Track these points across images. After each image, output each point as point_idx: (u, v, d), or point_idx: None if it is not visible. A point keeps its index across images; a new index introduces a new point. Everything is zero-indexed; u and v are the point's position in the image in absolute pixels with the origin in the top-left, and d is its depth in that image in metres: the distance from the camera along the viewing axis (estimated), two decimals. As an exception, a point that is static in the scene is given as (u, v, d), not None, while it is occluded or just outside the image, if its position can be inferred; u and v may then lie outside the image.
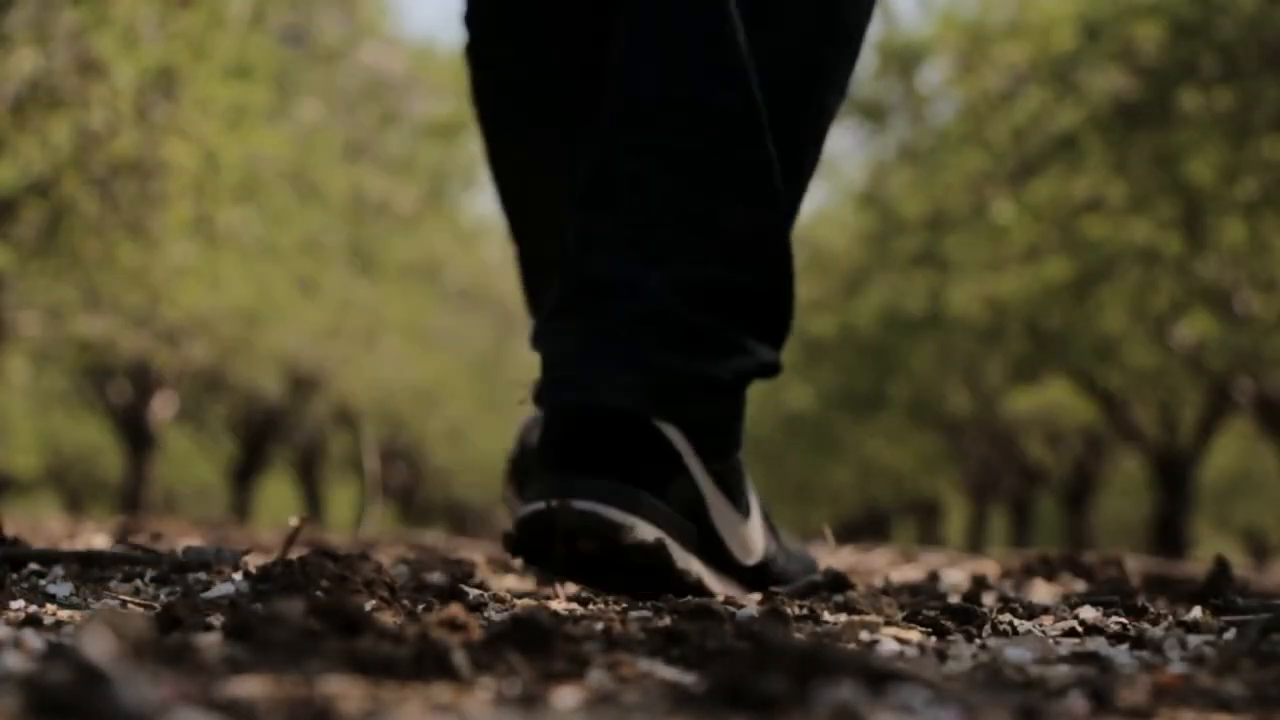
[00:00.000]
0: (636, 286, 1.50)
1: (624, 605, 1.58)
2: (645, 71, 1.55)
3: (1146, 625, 1.50)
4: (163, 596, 1.54)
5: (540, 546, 1.49)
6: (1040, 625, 1.50)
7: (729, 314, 1.52)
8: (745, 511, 1.63)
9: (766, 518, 1.71)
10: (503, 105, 2.00)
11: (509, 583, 2.11)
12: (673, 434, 1.49)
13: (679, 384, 1.50)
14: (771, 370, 1.57)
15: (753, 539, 1.66)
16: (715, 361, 1.52)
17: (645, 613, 1.46)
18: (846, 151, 20.03)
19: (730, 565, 1.63)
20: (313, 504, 16.73)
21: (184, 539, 2.74)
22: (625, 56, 1.56)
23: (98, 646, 0.84)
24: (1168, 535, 11.45)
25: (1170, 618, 1.56)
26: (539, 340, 1.60)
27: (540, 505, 1.46)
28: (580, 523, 1.45)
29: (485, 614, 1.45)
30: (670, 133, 1.52)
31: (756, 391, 1.67)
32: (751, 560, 1.65)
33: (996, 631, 1.44)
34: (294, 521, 1.71)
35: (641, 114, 1.54)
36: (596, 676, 1.01)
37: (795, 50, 1.59)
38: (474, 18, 1.98)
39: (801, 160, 1.60)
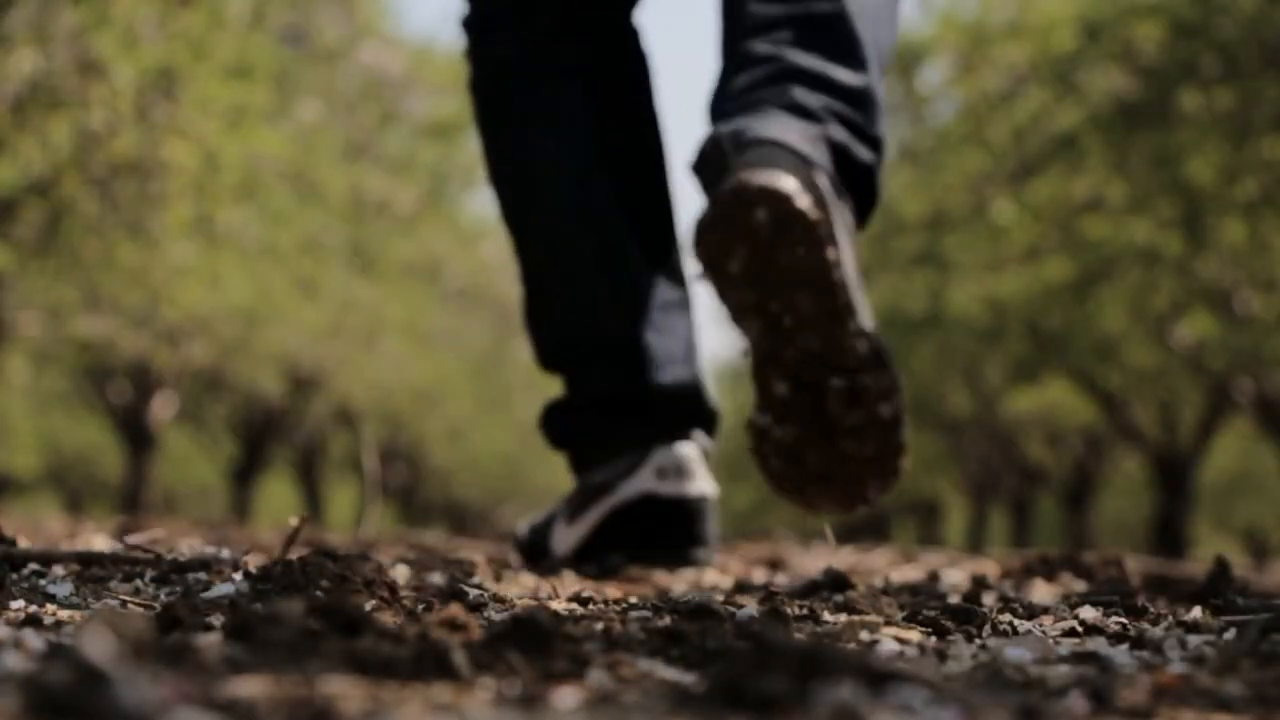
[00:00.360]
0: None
1: (624, 605, 1.58)
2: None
3: (1146, 625, 1.50)
4: (163, 596, 1.54)
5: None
6: (1040, 625, 1.50)
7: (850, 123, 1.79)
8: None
9: None
10: (500, 102, 2.13)
11: (509, 582, 2.11)
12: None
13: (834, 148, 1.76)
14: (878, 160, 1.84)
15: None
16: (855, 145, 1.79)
17: (645, 613, 1.46)
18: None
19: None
20: (313, 504, 16.72)
21: (184, 539, 2.74)
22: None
23: (98, 646, 0.84)
24: (1168, 535, 11.45)
25: (1170, 618, 1.56)
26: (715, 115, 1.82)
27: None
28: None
29: (485, 614, 1.45)
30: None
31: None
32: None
33: (996, 631, 1.44)
34: (294, 521, 1.71)
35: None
36: (596, 676, 1.01)
37: None
38: (473, 20, 2.18)
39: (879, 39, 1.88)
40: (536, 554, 2.21)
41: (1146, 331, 9.52)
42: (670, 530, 2.03)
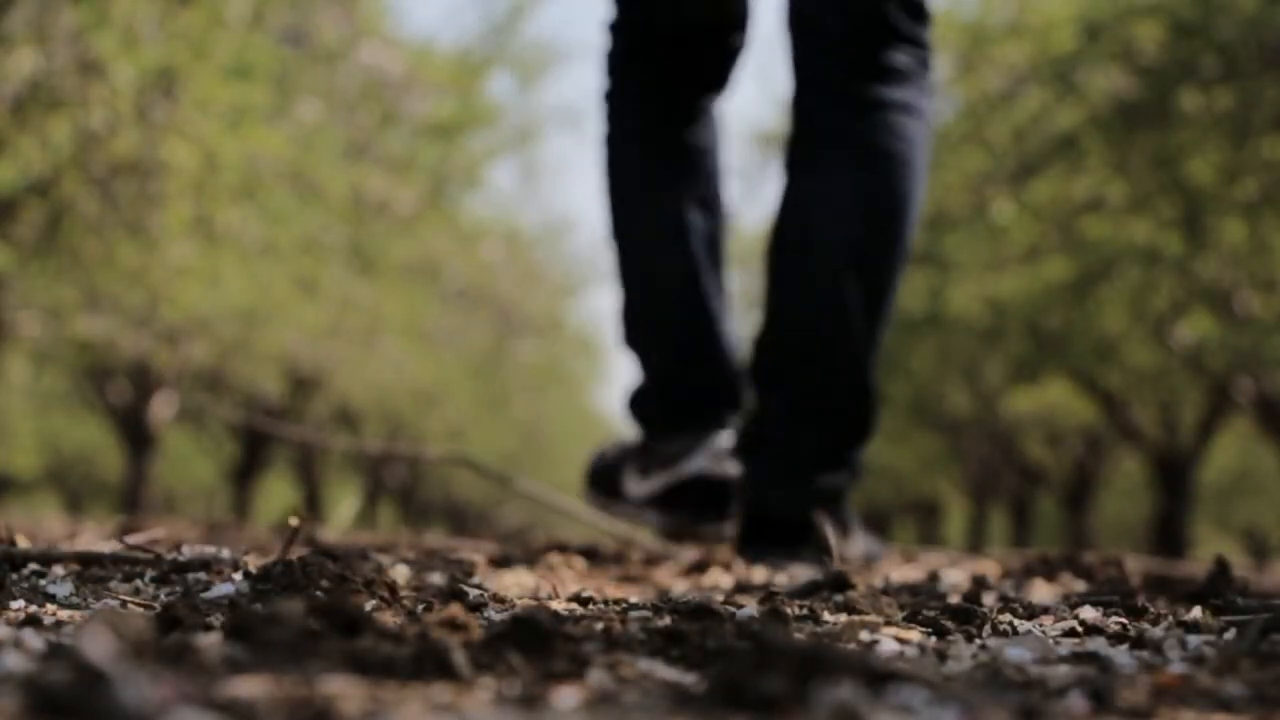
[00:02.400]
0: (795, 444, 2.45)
1: (624, 605, 1.58)
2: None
3: (1146, 625, 1.50)
4: (163, 596, 1.54)
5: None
6: (1040, 625, 1.50)
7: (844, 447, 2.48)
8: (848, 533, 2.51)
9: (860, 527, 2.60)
10: (628, 147, 2.72)
11: (509, 583, 2.11)
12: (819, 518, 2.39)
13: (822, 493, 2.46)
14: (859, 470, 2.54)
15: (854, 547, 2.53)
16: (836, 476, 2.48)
17: (645, 613, 1.46)
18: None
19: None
20: (313, 504, 16.73)
21: (184, 539, 2.74)
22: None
23: (98, 646, 0.84)
24: (1168, 535, 11.46)
25: (1170, 618, 1.56)
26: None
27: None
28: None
29: (485, 614, 1.45)
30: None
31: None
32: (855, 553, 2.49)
33: (996, 631, 1.43)
34: (294, 521, 1.71)
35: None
36: (596, 676, 1.01)
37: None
38: (622, 67, 2.71)
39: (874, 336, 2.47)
40: (603, 486, 2.76)
41: (1146, 331, 9.52)
42: (714, 502, 2.59)
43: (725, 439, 2.63)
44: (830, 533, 2.30)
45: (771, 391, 2.46)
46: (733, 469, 2.60)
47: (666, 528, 2.67)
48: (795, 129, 2.52)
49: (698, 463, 2.60)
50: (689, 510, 2.60)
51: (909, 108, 2.45)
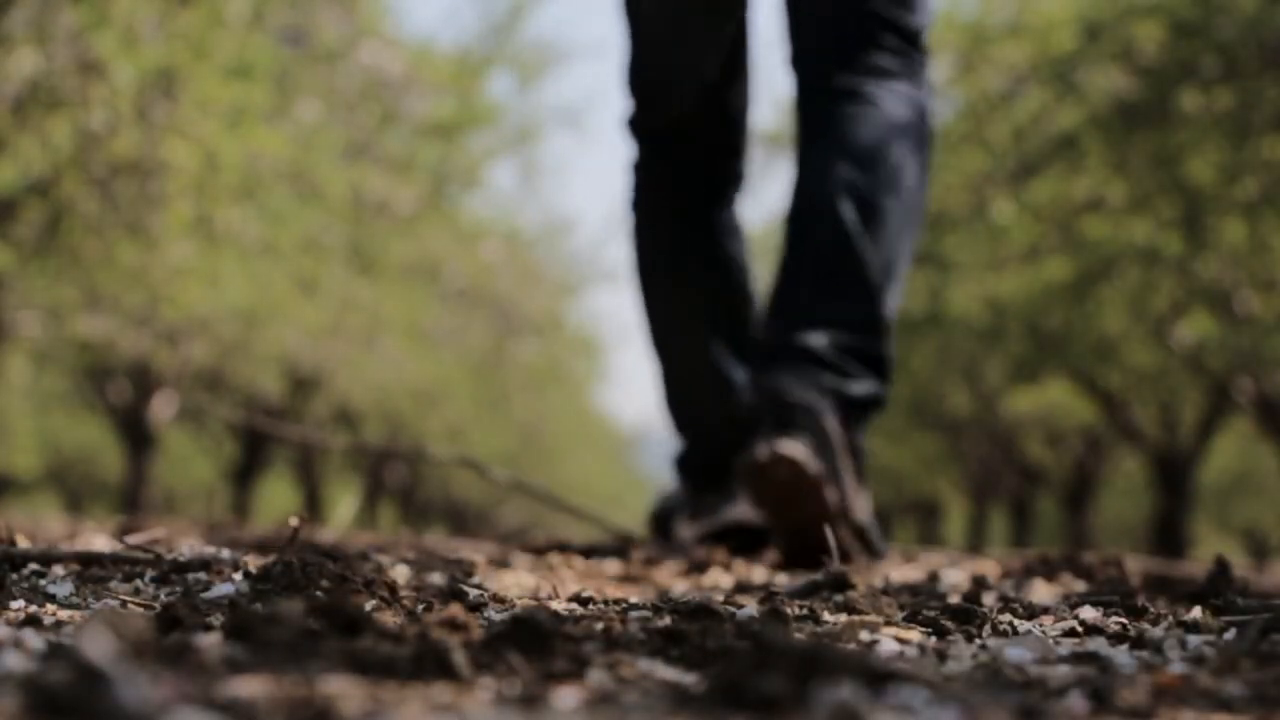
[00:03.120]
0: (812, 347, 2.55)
1: (624, 605, 1.58)
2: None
3: (1146, 625, 1.50)
4: (163, 596, 1.54)
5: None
6: (1040, 625, 1.50)
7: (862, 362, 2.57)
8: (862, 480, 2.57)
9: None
10: (658, 249, 2.99)
11: (509, 582, 2.11)
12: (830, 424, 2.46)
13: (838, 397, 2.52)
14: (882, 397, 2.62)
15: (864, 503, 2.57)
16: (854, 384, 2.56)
17: (645, 613, 1.46)
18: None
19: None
20: (313, 504, 16.73)
21: (184, 539, 2.74)
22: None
23: (98, 646, 0.84)
24: (1168, 535, 11.45)
25: (1170, 618, 1.56)
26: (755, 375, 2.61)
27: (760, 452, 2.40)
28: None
29: (485, 614, 1.45)
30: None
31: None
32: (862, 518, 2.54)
33: (996, 631, 1.43)
34: (294, 521, 1.71)
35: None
36: (596, 676, 1.01)
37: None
38: (646, 174, 2.96)
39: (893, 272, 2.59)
40: (659, 530, 3.05)
41: (1146, 331, 9.52)
42: (750, 543, 2.84)
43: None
44: (846, 482, 2.46)
45: (787, 315, 2.57)
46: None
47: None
48: (800, 112, 2.71)
49: (736, 511, 2.87)
50: (729, 550, 2.78)
51: (898, 91, 2.63)
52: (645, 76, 2.92)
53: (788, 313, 2.55)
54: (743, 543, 2.83)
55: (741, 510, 2.87)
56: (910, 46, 2.66)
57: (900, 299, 2.63)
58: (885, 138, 2.59)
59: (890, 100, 2.62)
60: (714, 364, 2.97)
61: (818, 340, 2.51)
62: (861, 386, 2.53)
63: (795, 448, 2.37)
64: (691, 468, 3.04)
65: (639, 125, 2.98)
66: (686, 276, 2.97)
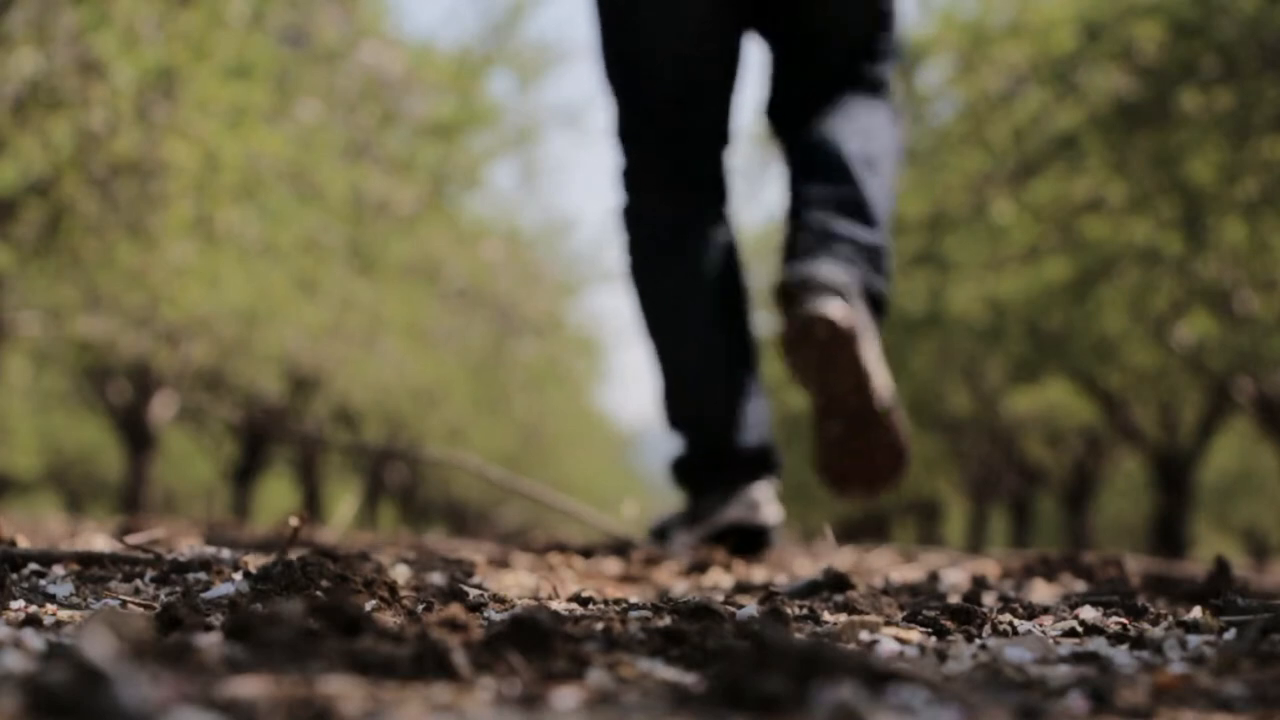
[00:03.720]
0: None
1: (624, 605, 1.58)
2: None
3: (1146, 625, 1.50)
4: (163, 596, 1.54)
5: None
6: (1040, 625, 1.50)
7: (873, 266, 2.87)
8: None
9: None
10: (651, 253, 3.09)
11: (509, 583, 2.11)
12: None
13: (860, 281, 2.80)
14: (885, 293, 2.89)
15: (883, 375, 2.78)
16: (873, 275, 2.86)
17: (645, 613, 1.46)
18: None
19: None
20: (313, 504, 16.73)
21: (184, 539, 2.74)
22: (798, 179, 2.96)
23: (98, 646, 0.84)
24: (1168, 535, 11.45)
25: (1170, 618, 1.56)
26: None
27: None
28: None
29: (485, 614, 1.45)
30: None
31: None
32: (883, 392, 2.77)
33: (996, 631, 1.43)
34: (294, 521, 1.71)
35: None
36: (596, 676, 1.01)
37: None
38: (636, 182, 3.10)
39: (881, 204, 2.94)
40: (657, 542, 3.09)
41: (1146, 331, 9.52)
42: (749, 543, 2.95)
43: (757, 491, 2.99)
44: (873, 357, 2.71)
45: (813, 226, 2.85)
46: (764, 517, 2.97)
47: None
48: (795, 108, 3.06)
49: (734, 512, 2.95)
50: (727, 551, 2.85)
51: (886, 109, 3.06)
52: (637, 81, 3.07)
53: (813, 225, 2.82)
54: (740, 544, 2.91)
55: (738, 510, 2.95)
56: (883, 88, 3.08)
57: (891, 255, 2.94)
58: (878, 120, 3.00)
59: (879, 106, 3.04)
60: (712, 357, 3.05)
61: (841, 246, 2.79)
62: (878, 283, 2.82)
63: (833, 307, 2.61)
64: (689, 469, 3.08)
65: (630, 131, 3.10)
66: (682, 271, 3.06)
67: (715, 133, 3.12)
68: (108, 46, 6.10)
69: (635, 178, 3.11)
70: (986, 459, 16.29)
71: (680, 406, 3.09)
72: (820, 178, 2.89)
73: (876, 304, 2.80)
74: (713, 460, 3.02)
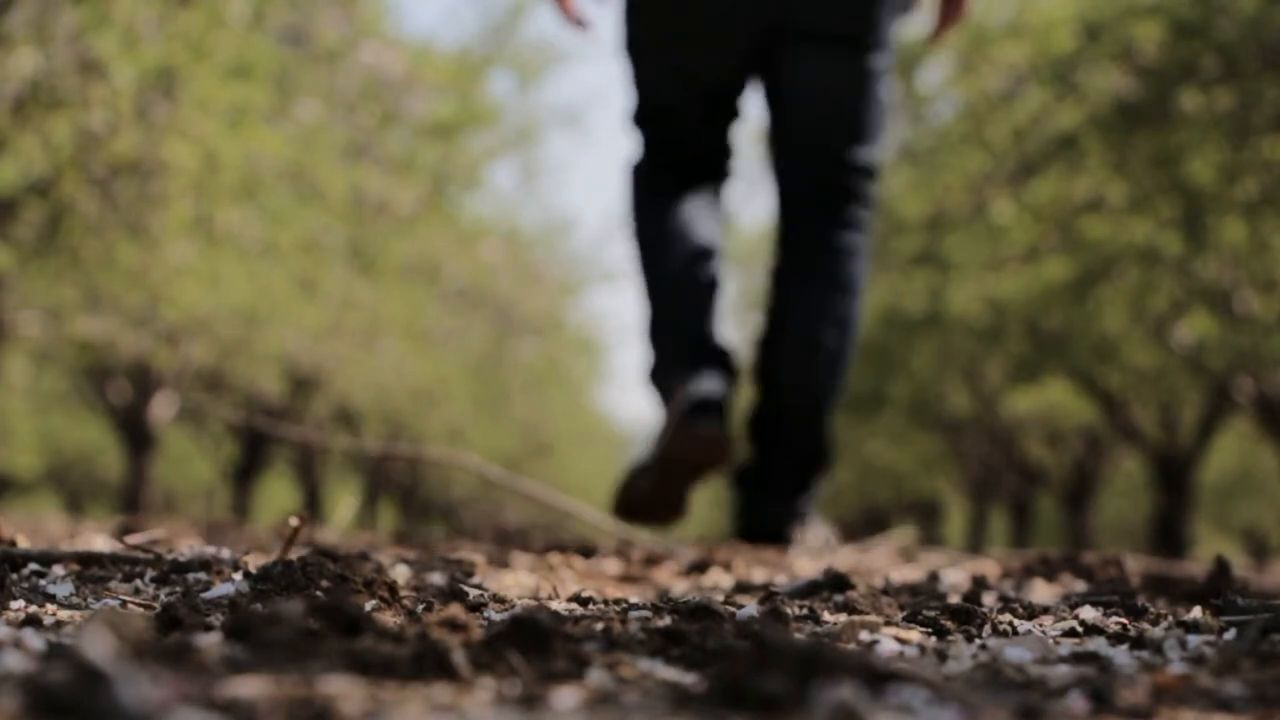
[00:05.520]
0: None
1: (624, 605, 1.58)
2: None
3: (1146, 625, 1.50)
4: (163, 596, 1.54)
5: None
6: (1040, 625, 1.50)
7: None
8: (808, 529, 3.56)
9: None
10: (649, 204, 3.54)
11: (509, 583, 2.11)
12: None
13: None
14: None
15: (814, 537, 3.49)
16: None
17: (645, 613, 1.46)
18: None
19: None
20: (313, 504, 16.73)
21: (184, 539, 2.74)
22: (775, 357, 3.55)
23: (98, 646, 0.84)
24: (1168, 535, 11.46)
25: (1170, 618, 1.56)
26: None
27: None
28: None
29: (485, 614, 1.45)
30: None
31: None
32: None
33: (996, 631, 1.43)
34: (294, 521, 1.71)
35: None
36: (596, 676, 1.01)
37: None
38: (647, 151, 3.57)
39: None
40: (630, 486, 3.55)
41: (1146, 331, 9.52)
42: (707, 411, 3.38)
43: (709, 378, 3.43)
44: (798, 534, 3.39)
45: (763, 447, 3.52)
46: (719, 392, 3.41)
47: (677, 451, 3.38)
48: (782, 253, 3.52)
49: (694, 389, 3.37)
50: (692, 422, 3.32)
51: (859, 251, 3.46)
52: (658, 89, 3.55)
53: (765, 481, 3.54)
54: (700, 410, 3.36)
55: (699, 387, 3.39)
56: (870, 179, 3.45)
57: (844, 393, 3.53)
58: (852, 288, 3.47)
59: (856, 256, 3.46)
60: (689, 284, 3.51)
61: (784, 481, 3.51)
62: (814, 495, 3.55)
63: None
64: (663, 377, 3.51)
65: (645, 118, 3.56)
66: (672, 221, 3.53)
67: (721, 134, 3.60)
68: (108, 46, 6.09)
69: (648, 148, 3.57)
70: (986, 459, 16.30)
71: (662, 320, 3.55)
72: (787, 362, 3.47)
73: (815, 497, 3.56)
74: (680, 358, 3.49)
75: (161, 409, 13.01)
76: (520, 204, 20.96)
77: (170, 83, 6.47)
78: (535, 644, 1.04)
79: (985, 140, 8.90)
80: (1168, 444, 11.88)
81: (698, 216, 3.55)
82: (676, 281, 3.54)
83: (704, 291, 3.52)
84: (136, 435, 12.97)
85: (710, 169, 3.60)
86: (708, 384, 3.37)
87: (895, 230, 10.24)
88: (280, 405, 14.44)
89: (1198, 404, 11.50)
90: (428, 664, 0.97)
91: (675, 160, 3.58)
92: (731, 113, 3.57)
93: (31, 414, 17.10)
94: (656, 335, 3.57)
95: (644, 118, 3.57)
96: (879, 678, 0.94)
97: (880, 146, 3.49)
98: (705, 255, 3.53)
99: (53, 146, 6.48)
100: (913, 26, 8.64)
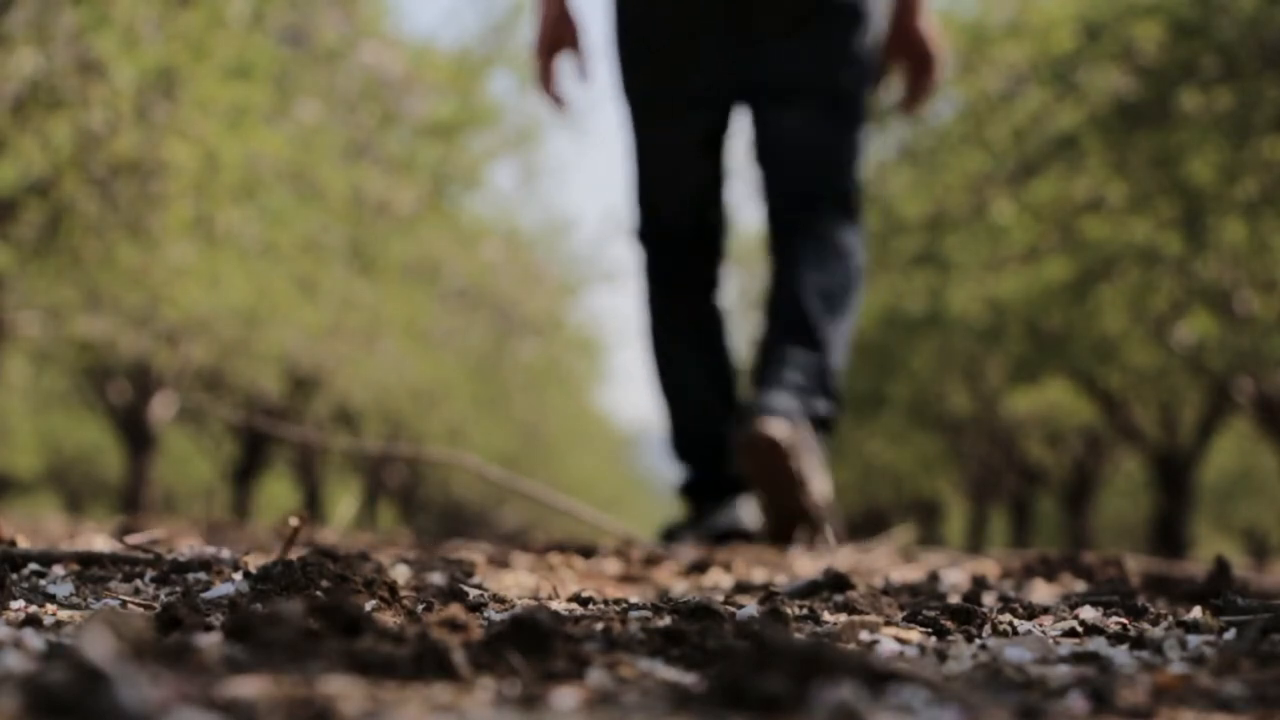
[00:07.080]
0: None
1: (624, 605, 1.58)
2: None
3: (1146, 625, 1.50)
4: (163, 596, 1.54)
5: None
6: (1040, 625, 1.50)
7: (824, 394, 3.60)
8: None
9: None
10: (662, 333, 3.85)
11: (509, 583, 2.11)
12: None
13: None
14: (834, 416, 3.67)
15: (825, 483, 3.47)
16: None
17: (645, 613, 1.46)
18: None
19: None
20: (313, 504, 16.72)
21: (184, 539, 2.74)
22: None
23: (98, 646, 0.84)
24: (1168, 535, 11.46)
25: (1170, 618, 1.56)
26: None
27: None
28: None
29: (485, 614, 1.45)
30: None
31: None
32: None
33: (996, 631, 1.43)
34: (294, 521, 1.71)
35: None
36: (596, 676, 1.01)
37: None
38: (652, 276, 3.85)
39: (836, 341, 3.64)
40: (668, 543, 3.70)
41: (1146, 331, 9.52)
42: (740, 538, 3.61)
43: (740, 505, 3.68)
44: (812, 465, 3.37)
45: (773, 364, 3.56)
46: (746, 522, 3.63)
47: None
48: (775, 243, 3.71)
49: (725, 520, 3.64)
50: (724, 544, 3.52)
51: (856, 242, 3.67)
52: (651, 201, 3.79)
53: (772, 361, 3.54)
54: (734, 538, 3.55)
55: (738, 516, 3.65)
56: (852, 196, 3.67)
57: (845, 359, 3.63)
58: (840, 249, 3.65)
59: (849, 237, 3.66)
60: (713, 405, 3.82)
61: (791, 375, 3.49)
62: (820, 406, 3.51)
63: (775, 428, 3.28)
64: (696, 489, 3.81)
65: (646, 235, 3.83)
66: (690, 342, 3.85)
67: (713, 250, 3.87)
68: (108, 46, 6.09)
69: (652, 272, 3.86)
70: (986, 459, 16.29)
71: (688, 441, 3.86)
72: (780, 314, 3.61)
73: (822, 422, 3.51)
74: (708, 483, 3.80)
75: (161, 409, 13.01)
76: (520, 204, 20.97)
77: (170, 83, 6.47)
78: (535, 644, 1.04)
79: (985, 140, 8.90)
80: (1168, 444, 11.88)
81: (705, 346, 3.84)
82: (698, 418, 3.84)
83: (724, 425, 3.74)
84: (136, 435, 12.96)
85: (705, 283, 3.85)
86: (730, 519, 3.64)
87: (895, 230, 10.24)
88: (280, 405, 14.44)
89: (1198, 404, 11.50)
90: (428, 664, 0.97)
91: (675, 280, 3.84)
92: (716, 198, 3.81)
93: (31, 414, 17.10)
94: (683, 458, 3.88)
95: (645, 233, 3.82)
96: (879, 678, 0.94)
97: (858, 167, 3.71)
98: (719, 384, 3.83)
99: (53, 147, 6.47)
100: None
